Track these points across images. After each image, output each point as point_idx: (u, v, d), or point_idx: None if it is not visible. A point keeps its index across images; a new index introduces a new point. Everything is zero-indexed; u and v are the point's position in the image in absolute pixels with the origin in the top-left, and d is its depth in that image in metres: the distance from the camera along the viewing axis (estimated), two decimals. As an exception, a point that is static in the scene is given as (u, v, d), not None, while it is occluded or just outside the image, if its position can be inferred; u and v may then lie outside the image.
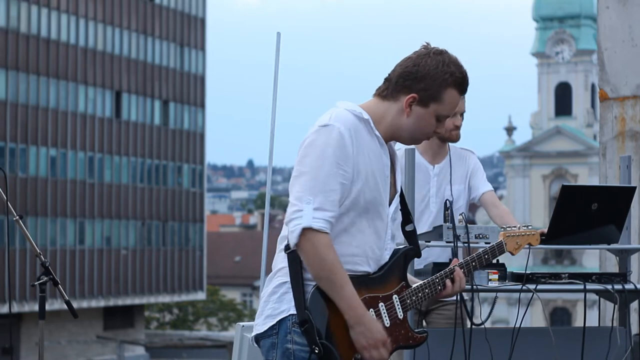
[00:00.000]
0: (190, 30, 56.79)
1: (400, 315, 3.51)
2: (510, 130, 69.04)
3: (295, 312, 3.41)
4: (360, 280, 3.45)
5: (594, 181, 42.06)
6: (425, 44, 3.65)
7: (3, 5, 45.76)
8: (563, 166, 66.40)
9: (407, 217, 3.69)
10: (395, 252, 3.57)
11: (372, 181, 3.49)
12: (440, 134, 5.79)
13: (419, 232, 4.91)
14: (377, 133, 3.53)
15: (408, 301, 3.54)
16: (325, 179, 3.40)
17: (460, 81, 3.58)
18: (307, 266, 3.40)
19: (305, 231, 3.36)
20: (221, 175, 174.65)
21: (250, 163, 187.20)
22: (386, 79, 3.61)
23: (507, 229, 3.96)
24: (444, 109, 3.57)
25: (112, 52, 51.73)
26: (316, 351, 3.35)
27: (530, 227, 4.04)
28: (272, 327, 3.46)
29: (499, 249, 3.90)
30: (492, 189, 5.98)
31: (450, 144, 5.94)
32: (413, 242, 3.66)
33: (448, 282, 3.66)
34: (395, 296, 3.51)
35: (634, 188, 5.06)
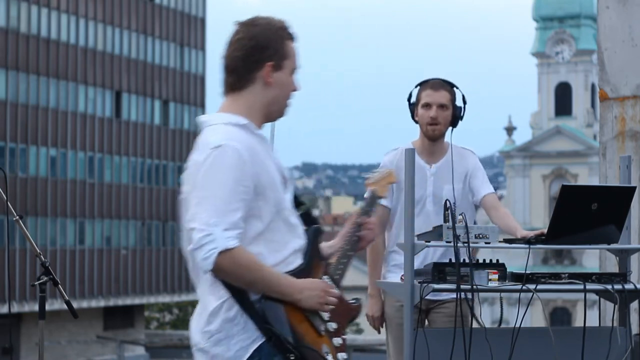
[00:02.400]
0: (190, 30, 56.80)
1: (337, 292, 3.59)
2: (510, 130, 69.04)
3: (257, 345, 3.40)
4: (294, 276, 3.48)
5: (594, 181, 42.05)
6: (235, 22, 3.59)
7: (3, 5, 45.76)
8: (563, 166, 66.41)
9: (296, 203, 3.67)
10: (306, 237, 3.59)
11: (273, 185, 3.49)
12: (424, 126, 5.82)
13: (417, 232, 4.92)
14: (258, 132, 3.52)
15: (336, 277, 3.64)
16: (228, 198, 3.36)
17: (289, 30, 3.58)
18: (232, 281, 3.38)
19: (222, 253, 3.32)
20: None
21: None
22: (229, 72, 3.54)
23: (368, 177, 4.09)
24: (293, 62, 3.56)
25: (112, 52, 51.74)
26: (292, 358, 3.37)
27: (382, 170, 4.21)
28: None
29: (374, 196, 4.03)
30: (494, 191, 5.97)
31: (449, 143, 5.94)
32: (310, 221, 3.67)
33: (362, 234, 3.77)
34: (324, 277, 3.59)
35: (634, 188, 5.06)
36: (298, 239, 3.55)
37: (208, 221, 3.33)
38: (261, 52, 3.51)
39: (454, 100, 5.89)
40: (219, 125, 3.51)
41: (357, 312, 3.66)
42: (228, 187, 3.37)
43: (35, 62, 47.40)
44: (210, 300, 3.46)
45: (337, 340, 3.52)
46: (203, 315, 3.48)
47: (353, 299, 3.69)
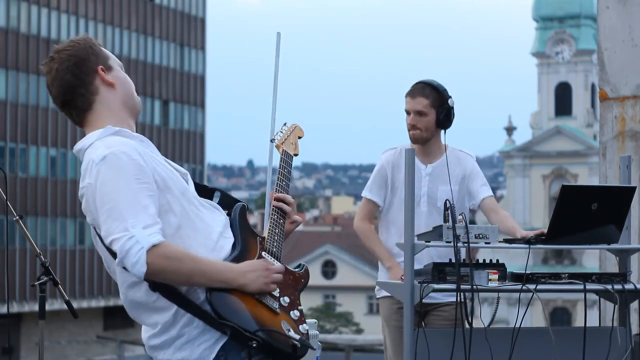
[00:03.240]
0: (190, 30, 56.80)
1: (280, 266, 3.53)
2: (510, 130, 69.05)
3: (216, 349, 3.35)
4: (235, 261, 3.41)
5: (594, 181, 42.08)
6: (42, 64, 3.55)
7: (3, 5, 45.77)
8: (563, 166, 66.42)
9: (206, 192, 3.62)
10: (232, 219, 3.53)
11: (173, 175, 3.43)
12: (409, 132, 5.88)
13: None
14: (134, 134, 3.45)
15: (274, 250, 3.56)
16: (134, 199, 3.28)
17: (89, 38, 3.55)
18: (170, 279, 3.31)
19: (150, 251, 3.23)
20: (221, 175, 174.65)
21: (250, 163, 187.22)
22: (69, 102, 3.47)
23: (275, 139, 3.95)
24: (116, 61, 3.54)
25: (112, 52, 51.38)
26: (254, 345, 3.31)
27: (287, 124, 4.03)
28: None
29: (287, 157, 3.90)
30: (492, 194, 5.99)
31: (447, 145, 5.96)
32: (230, 200, 3.62)
33: (286, 209, 3.68)
34: (263, 253, 3.52)
35: (634, 188, 5.06)
36: (219, 219, 3.48)
37: (124, 226, 3.24)
38: (87, 63, 3.47)
39: (437, 104, 5.91)
40: (94, 142, 3.40)
41: (305, 279, 3.59)
42: (129, 189, 3.29)
43: (35, 62, 47.40)
44: (159, 318, 3.37)
45: (294, 314, 3.46)
46: (156, 332, 3.39)
47: (297, 266, 3.63)
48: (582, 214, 4.86)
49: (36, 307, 5.50)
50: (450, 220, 4.81)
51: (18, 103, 46.45)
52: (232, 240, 3.47)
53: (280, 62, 6.21)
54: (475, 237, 4.82)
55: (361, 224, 6.09)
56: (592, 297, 5.10)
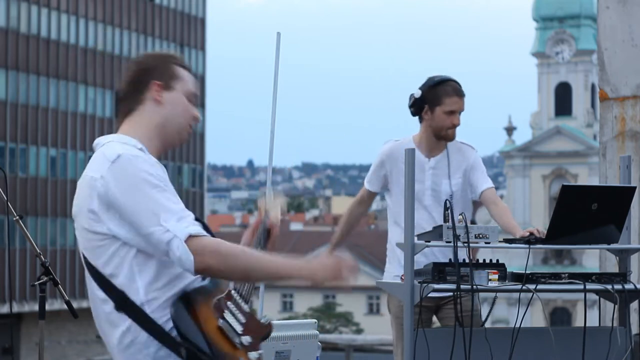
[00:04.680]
0: (190, 30, 56.82)
1: (247, 308, 3.52)
2: (510, 130, 69.04)
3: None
4: (201, 291, 3.39)
5: (594, 181, 42.02)
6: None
7: (3, 5, 45.77)
8: (563, 166, 66.40)
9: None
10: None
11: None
12: (443, 129, 5.82)
13: (416, 226, 4.92)
14: (154, 159, 3.43)
15: (244, 292, 3.54)
16: (160, 196, 3.28)
17: (178, 58, 3.57)
18: (226, 276, 3.30)
19: (190, 242, 3.21)
20: (221, 175, 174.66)
21: (250, 163, 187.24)
22: (120, 99, 3.52)
23: (260, 200, 3.92)
24: (187, 86, 3.54)
25: (112, 52, 51.75)
26: (182, 354, 3.28)
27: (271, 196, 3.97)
28: None
29: (265, 225, 3.81)
30: (493, 185, 5.97)
31: (452, 141, 5.95)
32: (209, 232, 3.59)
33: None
34: (233, 292, 3.50)
35: (634, 188, 5.06)
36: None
37: (156, 221, 3.24)
38: (146, 73, 3.49)
39: None
40: (114, 142, 3.41)
41: (268, 331, 3.55)
42: (151, 186, 3.28)
43: (35, 62, 47.41)
44: (114, 333, 3.35)
45: (253, 355, 3.41)
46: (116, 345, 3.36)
47: (263, 317, 3.60)
48: (582, 214, 4.86)
49: (36, 307, 5.50)
50: (450, 220, 4.81)
51: (18, 103, 46.44)
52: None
53: (280, 62, 6.21)
54: (475, 237, 4.82)
55: (349, 206, 6.24)
56: (592, 297, 5.10)
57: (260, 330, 3.51)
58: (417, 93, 5.90)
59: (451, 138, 5.88)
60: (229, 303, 3.46)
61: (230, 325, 3.40)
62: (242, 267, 3.28)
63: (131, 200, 3.26)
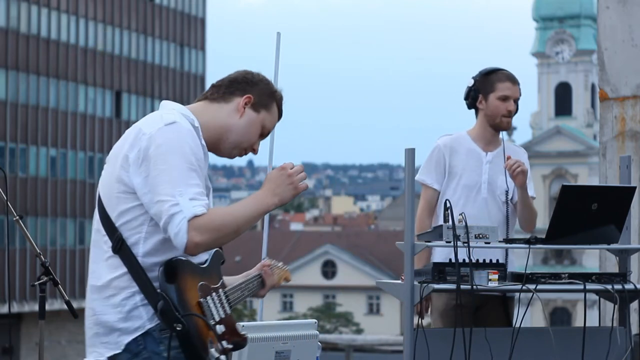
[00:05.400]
0: (190, 30, 56.81)
1: (228, 310, 3.56)
2: (510, 130, 69.01)
3: (154, 324, 3.39)
4: (194, 268, 3.47)
5: (594, 181, 41.97)
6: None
7: (3, 5, 45.76)
8: (563, 166, 66.40)
9: None
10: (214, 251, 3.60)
11: (205, 183, 3.53)
12: (498, 116, 5.79)
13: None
14: (203, 142, 3.53)
15: (231, 297, 3.62)
16: (188, 172, 3.37)
17: (281, 100, 3.67)
18: (215, 246, 3.42)
19: (192, 222, 3.31)
20: (221, 175, 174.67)
21: (250, 163, 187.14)
22: (214, 85, 3.64)
23: (270, 266, 3.97)
24: (270, 121, 3.63)
25: (112, 52, 51.74)
26: (179, 329, 3.33)
27: (282, 266, 4.05)
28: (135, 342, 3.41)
29: (258, 279, 3.90)
30: (534, 195, 5.93)
31: (504, 136, 5.92)
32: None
33: (268, 283, 3.83)
34: (221, 290, 3.56)
35: (634, 188, 5.06)
36: None
37: (173, 192, 3.32)
38: (248, 85, 3.61)
39: None
40: (174, 110, 3.52)
41: (243, 342, 3.58)
42: (187, 162, 3.38)
43: (35, 62, 47.41)
44: (107, 273, 3.44)
45: (223, 343, 3.44)
46: (105, 291, 3.45)
47: (242, 328, 3.65)
48: (582, 214, 4.86)
49: (36, 307, 5.51)
50: (450, 220, 4.81)
51: (18, 103, 46.44)
52: (202, 259, 3.52)
53: (280, 61, 6.22)
54: (475, 237, 4.82)
55: (419, 222, 5.78)
56: (592, 297, 5.10)
57: (234, 334, 3.53)
58: (470, 82, 5.87)
59: (506, 127, 5.86)
60: (214, 294, 3.51)
61: (210, 308, 3.45)
62: (230, 234, 3.39)
63: (161, 164, 3.36)
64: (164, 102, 3.61)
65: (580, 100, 67.64)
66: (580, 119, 67.38)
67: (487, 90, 5.82)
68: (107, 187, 3.49)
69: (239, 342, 3.56)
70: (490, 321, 5.66)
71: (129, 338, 3.41)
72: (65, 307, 5.40)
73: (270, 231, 6.23)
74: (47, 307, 5.35)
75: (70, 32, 49.47)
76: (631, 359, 5.13)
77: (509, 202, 5.83)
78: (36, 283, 5.24)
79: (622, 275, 5.04)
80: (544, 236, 4.92)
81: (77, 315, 5.47)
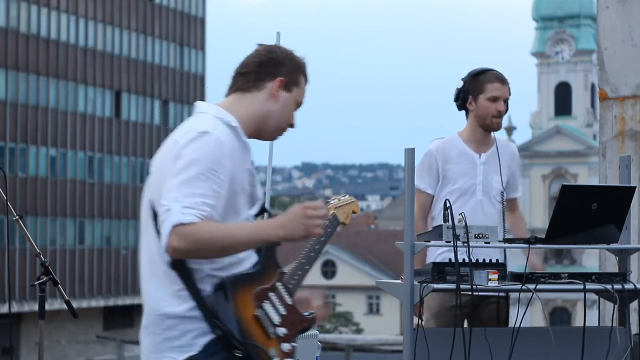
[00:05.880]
0: (190, 30, 56.80)
1: (290, 301, 3.58)
2: (510, 130, 69.02)
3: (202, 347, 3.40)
4: (246, 279, 3.46)
5: (594, 181, 41.92)
6: (258, 44, 3.69)
7: (3, 5, 45.76)
8: (563, 166, 66.40)
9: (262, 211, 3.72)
10: (261, 247, 3.58)
11: (242, 193, 3.52)
12: (488, 117, 5.79)
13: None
14: (244, 139, 3.54)
15: (290, 286, 3.63)
16: (198, 183, 3.35)
17: (306, 69, 3.67)
18: (199, 258, 3.38)
19: (177, 229, 3.30)
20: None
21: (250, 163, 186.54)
22: (242, 74, 3.60)
23: (331, 202, 4.12)
24: (301, 95, 3.64)
25: (112, 52, 51.74)
26: (239, 355, 3.36)
27: (347, 196, 4.24)
28: None
29: (335, 220, 4.09)
30: (521, 194, 5.99)
31: (495, 135, 5.93)
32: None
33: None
34: (278, 284, 3.57)
35: (634, 188, 5.06)
36: None
37: (173, 197, 3.32)
38: (276, 66, 3.58)
39: None
40: (210, 115, 3.52)
41: (310, 324, 3.62)
42: (201, 173, 3.36)
43: (35, 62, 47.40)
44: (169, 283, 3.44)
45: (286, 346, 3.48)
46: (159, 297, 3.46)
47: (309, 313, 3.65)
48: (582, 214, 4.86)
49: (36, 307, 5.51)
50: (450, 220, 4.81)
51: (18, 103, 46.44)
52: (254, 261, 3.53)
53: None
54: (475, 237, 4.82)
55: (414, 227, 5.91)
56: (592, 297, 5.10)
57: (299, 323, 3.58)
58: (460, 84, 5.87)
59: (497, 127, 5.86)
60: (271, 294, 3.53)
61: (268, 315, 3.47)
62: (215, 250, 3.35)
63: (178, 171, 3.37)
64: (199, 105, 3.61)
65: (580, 100, 67.63)
66: (580, 119, 67.37)
67: (477, 91, 5.82)
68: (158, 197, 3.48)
69: (305, 328, 3.61)
70: (484, 321, 5.68)
71: (205, 339, 3.41)
72: (65, 307, 5.40)
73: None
74: (47, 307, 5.35)
75: (70, 32, 49.47)
76: (631, 359, 5.13)
77: (505, 202, 5.86)
78: (36, 283, 5.24)
79: (622, 275, 5.04)
80: (544, 236, 4.93)
81: (77, 315, 5.48)
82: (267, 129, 3.60)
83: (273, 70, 3.57)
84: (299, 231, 3.42)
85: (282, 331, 3.48)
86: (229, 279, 3.41)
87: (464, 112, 5.92)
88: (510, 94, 5.86)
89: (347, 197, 4.23)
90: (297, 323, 3.56)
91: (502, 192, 5.83)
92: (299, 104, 3.64)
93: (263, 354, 3.40)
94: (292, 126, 3.66)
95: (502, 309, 5.78)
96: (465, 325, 5.81)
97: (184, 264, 3.40)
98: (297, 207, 3.45)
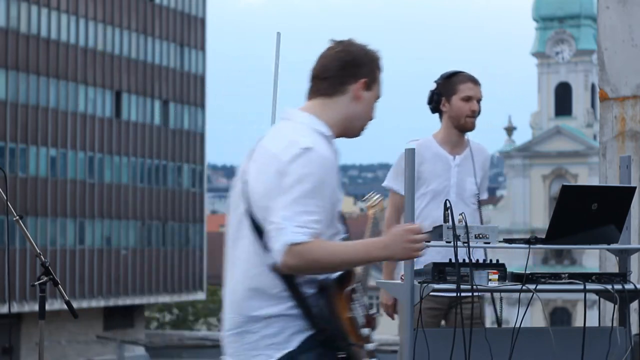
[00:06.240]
0: (190, 30, 56.81)
1: (365, 301, 3.71)
2: (510, 130, 69.04)
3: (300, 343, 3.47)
4: (338, 280, 3.55)
5: (594, 181, 41.81)
6: (331, 40, 3.71)
7: (3, 5, 45.77)
8: (563, 166, 66.41)
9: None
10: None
11: (338, 202, 3.60)
12: (462, 117, 5.81)
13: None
14: (335, 146, 3.61)
15: (364, 283, 3.79)
16: (308, 201, 3.43)
17: (380, 62, 3.71)
18: (308, 274, 3.47)
19: (291, 248, 3.38)
20: (221, 175, 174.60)
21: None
22: (321, 78, 3.63)
23: (367, 201, 4.24)
24: (380, 89, 3.69)
25: (112, 52, 51.74)
26: (342, 356, 3.45)
27: (374, 196, 4.33)
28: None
29: (377, 221, 4.18)
30: (486, 196, 6.03)
31: (469, 137, 5.95)
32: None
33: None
34: (358, 284, 3.67)
35: (634, 188, 5.06)
36: None
37: (284, 215, 3.39)
38: (358, 67, 3.62)
39: None
40: (306, 126, 3.56)
41: (376, 323, 3.73)
42: (310, 190, 3.43)
43: (35, 62, 47.41)
44: (268, 284, 3.50)
45: (370, 346, 3.60)
46: (256, 297, 3.51)
47: (372, 312, 3.75)
48: (582, 214, 4.86)
49: (36, 307, 5.51)
50: (450, 220, 4.81)
51: (18, 103, 46.44)
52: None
53: (280, 61, 6.22)
54: (475, 237, 4.82)
55: (387, 229, 5.85)
56: (592, 297, 5.10)
57: (372, 323, 3.69)
58: (433, 86, 5.91)
59: (471, 127, 5.89)
60: (354, 295, 3.62)
61: (357, 315, 3.58)
62: (325, 268, 3.46)
63: (286, 188, 3.43)
64: (289, 111, 3.63)
65: (580, 100, 67.64)
66: (580, 119, 67.38)
67: (450, 92, 5.87)
68: (259, 205, 3.52)
69: (374, 327, 3.72)
70: (459, 320, 5.73)
71: (302, 336, 3.48)
72: (65, 307, 5.40)
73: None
74: (47, 307, 5.35)
75: (70, 32, 49.47)
76: (631, 359, 5.13)
77: (479, 203, 5.88)
78: (36, 283, 5.24)
79: (622, 275, 5.04)
80: (544, 236, 4.93)
81: (77, 315, 5.48)
82: (352, 130, 3.67)
83: (355, 71, 3.61)
84: (400, 253, 3.50)
85: (366, 331, 3.57)
86: (330, 281, 3.50)
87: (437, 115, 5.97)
88: (482, 95, 5.92)
89: (377, 196, 4.32)
90: (371, 322, 3.66)
91: (477, 194, 5.85)
92: (378, 98, 3.70)
93: (360, 356, 3.49)
94: (371, 120, 3.74)
95: (477, 307, 5.77)
96: (443, 324, 5.88)
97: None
98: (399, 228, 3.53)
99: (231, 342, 3.56)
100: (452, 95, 5.87)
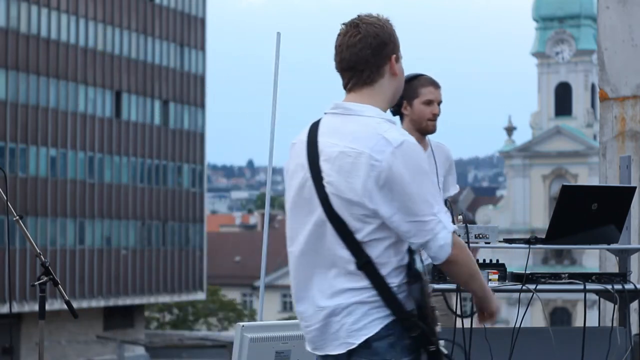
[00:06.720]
0: (190, 30, 56.81)
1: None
2: (510, 130, 69.05)
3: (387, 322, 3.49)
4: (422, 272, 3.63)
5: (594, 181, 41.80)
6: (343, 24, 3.73)
7: (3, 5, 45.77)
8: (563, 166, 66.41)
9: None
10: None
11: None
12: (424, 121, 5.84)
13: None
14: None
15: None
16: (434, 187, 3.52)
17: (394, 26, 3.73)
18: (457, 271, 3.53)
19: (455, 240, 3.47)
20: (221, 175, 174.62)
21: (250, 163, 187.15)
22: (361, 70, 3.63)
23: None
24: (401, 51, 3.73)
25: (112, 52, 51.74)
26: (432, 350, 3.48)
27: None
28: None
29: None
30: (458, 190, 6.05)
31: (428, 138, 5.97)
32: None
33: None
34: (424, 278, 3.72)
35: (634, 188, 5.06)
36: None
37: (432, 211, 3.44)
38: (386, 47, 3.64)
39: None
40: (380, 120, 3.57)
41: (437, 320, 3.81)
42: (428, 178, 3.49)
43: (35, 62, 47.41)
44: (345, 282, 3.50)
45: (441, 342, 3.61)
46: (343, 286, 3.51)
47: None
48: (582, 214, 4.86)
49: (36, 307, 5.51)
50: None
51: (18, 103, 46.45)
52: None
53: (280, 61, 6.22)
54: (475, 237, 4.82)
55: None
56: (592, 297, 5.10)
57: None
58: None
59: (432, 130, 5.92)
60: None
61: (436, 308, 3.60)
62: (473, 270, 3.55)
63: (415, 187, 3.45)
64: (351, 106, 3.63)
65: (580, 100, 67.64)
66: (580, 119, 67.38)
67: (411, 96, 5.90)
68: (343, 209, 3.51)
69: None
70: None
71: (383, 322, 3.48)
72: (65, 307, 5.40)
73: (270, 231, 6.23)
74: (47, 307, 5.35)
75: (70, 32, 49.47)
76: (631, 359, 5.13)
77: (448, 201, 5.88)
78: (36, 283, 5.24)
79: (622, 275, 5.04)
80: (544, 236, 4.93)
81: (77, 315, 5.48)
82: (393, 103, 3.74)
83: (385, 52, 3.64)
84: (493, 308, 3.64)
85: (438, 328, 3.58)
86: (420, 271, 3.52)
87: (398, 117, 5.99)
88: (442, 98, 5.95)
89: None
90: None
91: (447, 200, 5.86)
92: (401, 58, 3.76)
93: (442, 349, 3.52)
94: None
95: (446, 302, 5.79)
96: None
97: (370, 259, 3.47)
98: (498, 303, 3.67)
99: (310, 334, 3.58)
100: (414, 99, 5.90)
